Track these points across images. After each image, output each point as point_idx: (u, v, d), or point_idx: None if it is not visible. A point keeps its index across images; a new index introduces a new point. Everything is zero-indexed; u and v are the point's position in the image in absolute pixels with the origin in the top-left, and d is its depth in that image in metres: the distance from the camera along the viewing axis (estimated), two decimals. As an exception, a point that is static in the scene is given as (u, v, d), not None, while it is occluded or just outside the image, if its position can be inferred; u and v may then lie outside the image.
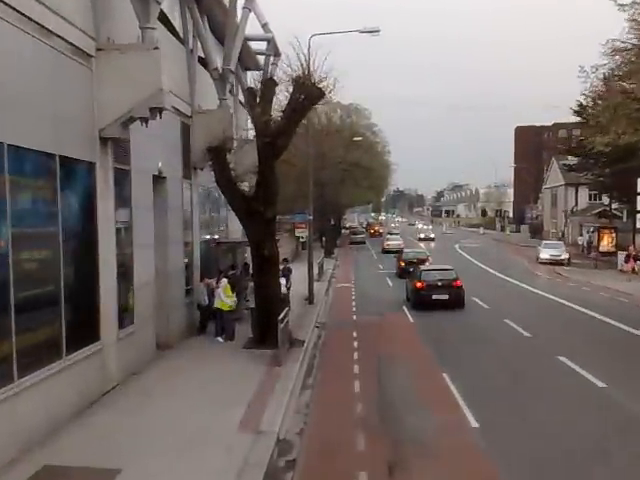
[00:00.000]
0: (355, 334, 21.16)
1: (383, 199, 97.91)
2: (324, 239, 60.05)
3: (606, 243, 53.91)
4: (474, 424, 11.89)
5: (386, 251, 57.71)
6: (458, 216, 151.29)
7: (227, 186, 18.16)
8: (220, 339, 19.17)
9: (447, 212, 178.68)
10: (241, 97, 26.51)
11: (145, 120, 13.45)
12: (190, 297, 20.22)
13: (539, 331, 21.08)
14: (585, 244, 57.75)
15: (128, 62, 13.03)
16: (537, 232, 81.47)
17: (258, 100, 18.20)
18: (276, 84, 18.68)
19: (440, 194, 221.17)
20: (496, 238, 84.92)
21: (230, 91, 22.66)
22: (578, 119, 61.32)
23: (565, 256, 48.98)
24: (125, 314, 14.67)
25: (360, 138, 60.00)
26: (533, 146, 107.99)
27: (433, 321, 23.67)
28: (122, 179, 14.55)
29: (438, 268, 28.99)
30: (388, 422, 12.16)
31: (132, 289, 15.13)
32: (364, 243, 74.10)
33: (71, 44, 12.13)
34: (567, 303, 27.70)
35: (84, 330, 12.67)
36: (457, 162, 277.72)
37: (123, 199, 14.64)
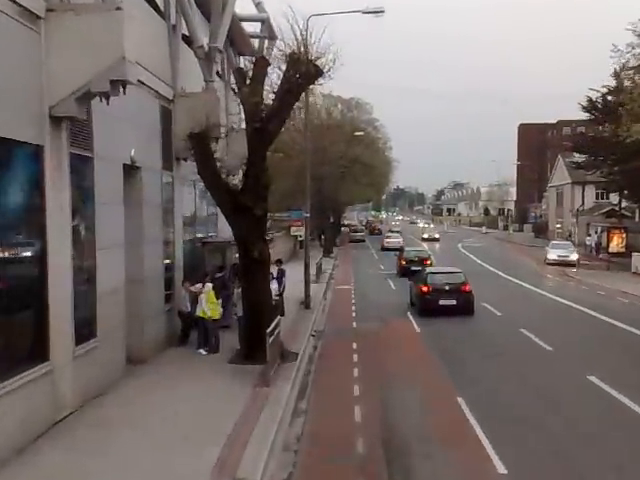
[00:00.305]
0: (355, 345, 18.93)
1: (384, 197, 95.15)
2: (323, 237, 57.85)
3: (616, 244, 51.61)
4: (501, 470, 9.65)
5: (386, 249, 57.55)
6: (459, 215, 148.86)
7: (211, 178, 15.88)
8: (203, 352, 16.92)
9: (448, 210, 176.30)
10: (233, 82, 24.22)
11: (106, 96, 11.17)
12: (171, 303, 17.96)
13: (560, 343, 18.81)
14: (594, 245, 55.51)
15: (84, 25, 10.76)
16: (541, 232, 79.23)
17: (248, 81, 15.95)
18: (268, 63, 16.37)
19: (441, 192, 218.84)
20: (499, 237, 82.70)
21: (219, 74, 20.39)
22: (582, 116, 59.68)
23: (574, 257, 46.70)
24: (85, 327, 12.40)
25: (362, 133, 57.74)
26: (537, 144, 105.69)
27: (441, 330, 21.42)
28: (82, 167, 12.28)
29: (445, 271, 26.72)
30: (396, 469, 9.89)
31: (95, 297, 12.86)
32: (364, 241, 73.46)
33: (16, 2, 9.90)
34: (584, 309, 25.43)
35: (27, 349, 10.44)
36: (458, 160, 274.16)
37: (83, 191, 12.37)
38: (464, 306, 23.57)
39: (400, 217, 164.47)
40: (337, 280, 36.96)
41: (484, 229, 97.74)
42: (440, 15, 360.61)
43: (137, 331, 15.59)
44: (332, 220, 64.72)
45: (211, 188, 16.23)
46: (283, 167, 55.60)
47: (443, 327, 21.88)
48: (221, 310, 17.42)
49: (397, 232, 75.61)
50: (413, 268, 35.31)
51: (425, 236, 75.73)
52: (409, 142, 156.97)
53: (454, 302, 23.52)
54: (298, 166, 55.17)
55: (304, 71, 14.29)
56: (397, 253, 42.98)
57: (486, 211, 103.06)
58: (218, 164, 16.10)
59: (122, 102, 12.74)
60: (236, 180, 17.74)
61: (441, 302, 23.49)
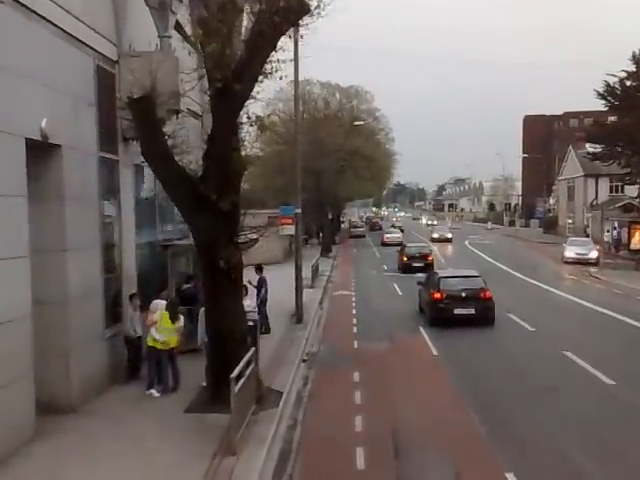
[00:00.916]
0: (356, 376, 14.67)
1: (384, 192, 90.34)
2: (321, 235, 53.61)
3: (638, 240, 47.42)
4: None
5: (385, 244, 57.81)
6: (462, 210, 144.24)
7: (159, 160, 11.57)
8: (155, 392, 12.67)
9: (450, 206, 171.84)
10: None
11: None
12: (117, 327, 13.68)
13: (621, 372, 14.52)
14: (612, 241, 51.22)
15: None
16: (551, 227, 74.89)
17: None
18: (240, 5, 11.99)
19: (442, 188, 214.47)
20: (506, 233, 78.26)
21: (178, 30, 16.04)
22: (589, 108, 55.30)
23: (594, 255, 42.42)
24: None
25: (361, 122, 53.45)
26: (543, 136, 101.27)
27: (463, 353, 17.10)
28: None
29: (461, 275, 22.60)
30: None
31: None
32: (364, 237, 72.55)
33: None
34: (634, 323, 21.10)
35: None
36: (459, 155, 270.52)
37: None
38: (484, 316, 20.14)
39: (403, 213, 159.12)
40: (336, 284, 32.68)
41: (489, 225, 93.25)
42: (435, 9, 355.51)
43: (60, 369, 11.39)
44: (331, 217, 60.39)
45: (159, 173, 11.92)
46: (280, 160, 51.60)
47: (465, 348, 17.60)
48: (179, 336, 13.16)
49: (397, 227, 75.09)
50: (415, 264, 35.70)
51: (435, 236, 63.71)
52: (409, 137, 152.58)
53: (472, 311, 20.11)
54: (294, 159, 51.09)
55: (282, 5, 9.97)
56: (398, 249, 41.30)
57: (491, 206, 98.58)
58: (170, 142, 11.80)
59: (26, 50, 8.48)
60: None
61: (456, 311, 20.08)
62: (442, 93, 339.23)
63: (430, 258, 36.97)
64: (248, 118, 11.78)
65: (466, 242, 63.19)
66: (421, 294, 22.90)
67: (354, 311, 24.20)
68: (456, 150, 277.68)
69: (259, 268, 20.02)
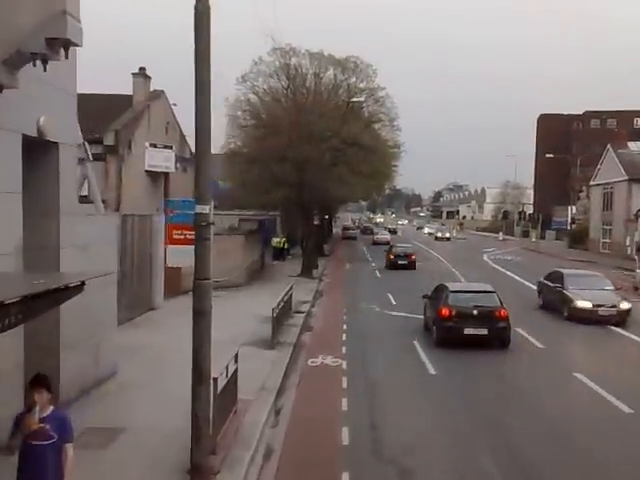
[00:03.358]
0: None
1: (386, 193, 76.21)
2: (304, 245, 40.32)
3: None
4: None
5: (376, 243, 63.70)
6: (464, 217, 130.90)
7: None
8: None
9: (448, 213, 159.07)
10: None
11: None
12: None
13: None
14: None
15: None
16: (579, 241, 61.76)
17: None
18: None
19: (439, 194, 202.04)
20: (525, 246, 65.23)
21: None
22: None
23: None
24: None
25: (361, 99, 40.47)
26: (560, 138, 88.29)
27: None
28: None
29: (473, 289, 19.70)
30: None
31: None
32: (355, 239, 75.15)
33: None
34: None
35: None
36: (456, 160, 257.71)
37: None
38: (498, 337, 17.35)
39: (405, 221, 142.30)
40: (315, 334, 19.36)
41: (501, 235, 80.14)
42: (431, 19, 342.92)
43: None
44: (318, 222, 47.00)
45: None
46: (260, 150, 38.76)
47: None
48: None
49: (386, 229, 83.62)
50: (400, 262, 39.39)
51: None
52: (405, 139, 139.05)
53: (485, 332, 17.15)
54: (276, 147, 37.93)
55: None
56: (386, 249, 44.87)
57: (505, 214, 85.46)
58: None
59: None
60: None
61: (467, 331, 17.15)
62: (438, 96, 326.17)
63: (413, 257, 40.52)
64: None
65: (485, 257, 50.09)
66: (427, 309, 19.78)
67: (344, 434, 10.85)
68: (453, 155, 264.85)
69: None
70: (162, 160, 29.48)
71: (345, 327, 20.37)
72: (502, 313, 17.43)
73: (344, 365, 15.44)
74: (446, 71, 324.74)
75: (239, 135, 44.20)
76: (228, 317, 20.40)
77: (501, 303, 17.84)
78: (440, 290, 19.00)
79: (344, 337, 18.83)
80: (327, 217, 67.90)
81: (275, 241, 44.58)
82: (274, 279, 32.01)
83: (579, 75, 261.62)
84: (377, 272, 37.54)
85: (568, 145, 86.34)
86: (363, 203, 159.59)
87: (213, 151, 8.82)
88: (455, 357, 16.36)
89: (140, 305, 20.80)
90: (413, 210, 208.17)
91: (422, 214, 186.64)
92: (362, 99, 41.10)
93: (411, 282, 31.07)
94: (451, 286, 19.26)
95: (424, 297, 19.98)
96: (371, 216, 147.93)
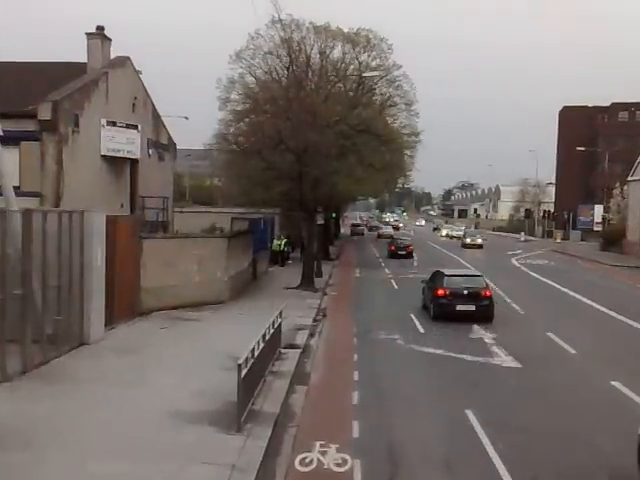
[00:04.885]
0: None
1: (401, 187, 68.07)
2: (305, 249, 33.57)
3: None
4: None
5: (380, 236, 69.15)
6: (478, 216, 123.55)
7: None
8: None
9: (460, 212, 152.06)
10: None
11: None
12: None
13: None
14: None
15: None
16: (613, 244, 54.79)
17: None
18: None
19: (449, 192, 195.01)
20: (552, 248, 58.35)
21: None
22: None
23: None
24: None
25: (375, 73, 33.99)
26: (583, 131, 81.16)
27: None
28: None
29: (464, 274, 24.05)
30: None
31: None
32: (363, 234, 79.55)
33: None
34: None
35: None
36: (466, 158, 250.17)
37: None
38: (484, 313, 20.26)
39: (423, 221, 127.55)
40: (311, 402, 12.51)
41: (522, 236, 73.15)
42: (437, 19, 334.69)
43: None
44: (322, 221, 40.24)
45: None
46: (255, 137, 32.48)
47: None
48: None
49: (391, 226, 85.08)
50: (399, 252, 45.21)
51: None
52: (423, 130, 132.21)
53: (473, 308, 20.22)
54: (274, 134, 31.29)
55: None
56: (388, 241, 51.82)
57: (527, 213, 78.40)
58: None
59: None
60: None
61: (458, 307, 20.23)
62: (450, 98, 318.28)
63: (410, 248, 45.97)
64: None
65: (514, 261, 43.36)
66: (425, 291, 22.59)
67: None
68: (463, 153, 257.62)
69: None
70: (124, 143, 22.98)
71: (357, 377, 13.74)
72: (487, 293, 20.68)
73: (357, 471, 8.84)
74: (455, 67, 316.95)
75: (232, 121, 37.50)
76: (185, 359, 13.94)
77: (486, 285, 21.14)
78: (437, 275, 22.01)
79: (355, 398, 12.17)
80: (335, 215, 61.19)
81: (275, 243, 37.98)
82: (267, 292, 25.49)
83: (595, 73, 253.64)
84: (393, 282, 30.84)
85: (593, 139, 79.22)
86: (371, 201, 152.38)
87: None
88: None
89: (61, 340, 14.28)
90: (423, 209, 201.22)
91: (433, 213, 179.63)
92: (377, 73, 34.49)
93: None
94: (446, 272, 22.31)
95: (423, 282, 23.28)
96: (384, 215, 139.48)
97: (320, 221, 37.46)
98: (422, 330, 18.80)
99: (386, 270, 36.16)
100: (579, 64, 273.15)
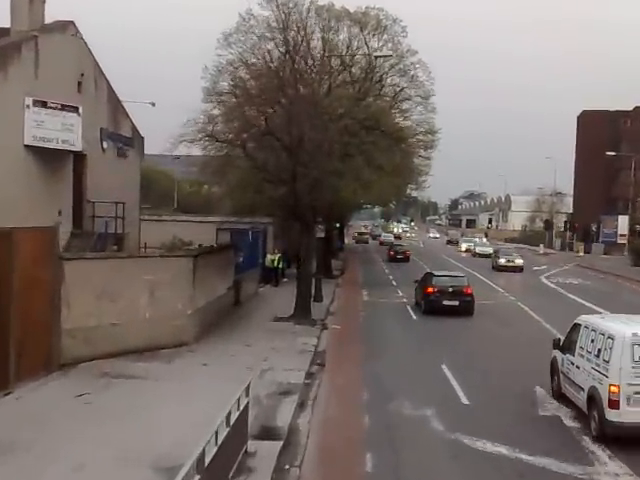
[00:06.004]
0: None
1: (412, 193, 60.19)
2: (300, 269, 27.55)
3: None
4: None
5: (382, 243, 71.26)
6: (489, 227, 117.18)
7: None
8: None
9: (468, 222, 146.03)
10: None
11: None
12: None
13: None
14: None
15: None
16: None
17: None
18: None
19: (456, 202, 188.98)
20: (578, 263, 52.37)
21: None
22: None
23: None
24: None
25: (390, 53, 28.38)
26: (605, 137, 75.25)
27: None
28: None
29: (450, 274, 27.30)
30: None
31: None
32: (367, 243, 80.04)
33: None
34: None
35: None
36: (472, 168, 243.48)
37: None
38: (465, 308, 23.75)
39: (437, 234, 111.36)
40: None
41: (542, 248, 67.07)
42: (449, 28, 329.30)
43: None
44: (324, 234, 34.26)
45: None
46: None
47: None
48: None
49: (392, 234, 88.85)
50: (398, 256, 50.12)
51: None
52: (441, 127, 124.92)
53: (456, 303, 23.68)
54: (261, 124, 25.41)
55: None
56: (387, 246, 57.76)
57: (547, 224, 72.29)
58: None
59: None
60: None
61: (444, 302, 23.62)
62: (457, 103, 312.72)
63: (407, 253, 51.48)
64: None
65: (544, 280, 37.39)
66: (417, 290, 25.94)
67: None
68: (469, 162, 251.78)
69: None
70: (59, 129, 17.19)
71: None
72: (468, 290, 24.42)
73: None
74: (459, 78, 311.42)
75: (218, 115, 31.60)
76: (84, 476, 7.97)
77: (468, 284, 24.87)
78: (427, 276, 25.83)
79: None
80: (339, 226, 55.17)
81: (269, 258, 32.00)
82: (249, 326, 19.65)
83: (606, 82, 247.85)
84: (410, 310, 24.99)
85: (615, 144, 73.31)
86: (376, 210, 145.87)
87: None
88: None
89: None
90: (429, 218, 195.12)
91: (440, 222, 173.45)
92: (390, 53, 28.73)
93: (471, 333, 18.53)
94: (435, 273, 26.35)
95: (415, 282, 26.94)
96: (390, 225, 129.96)
97: (320, 234, 31.52)
98: (466, 401, 12.64)
99: (399, 292, 30.14)
100: (595, 75, 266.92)
